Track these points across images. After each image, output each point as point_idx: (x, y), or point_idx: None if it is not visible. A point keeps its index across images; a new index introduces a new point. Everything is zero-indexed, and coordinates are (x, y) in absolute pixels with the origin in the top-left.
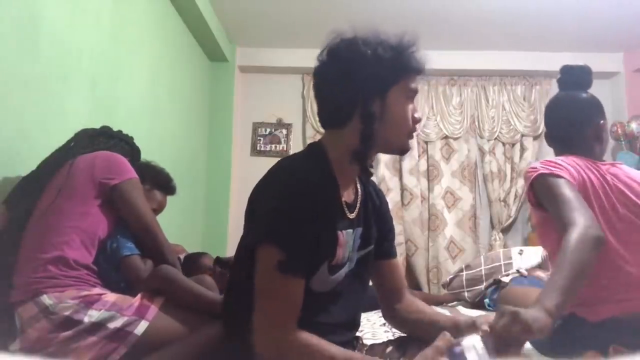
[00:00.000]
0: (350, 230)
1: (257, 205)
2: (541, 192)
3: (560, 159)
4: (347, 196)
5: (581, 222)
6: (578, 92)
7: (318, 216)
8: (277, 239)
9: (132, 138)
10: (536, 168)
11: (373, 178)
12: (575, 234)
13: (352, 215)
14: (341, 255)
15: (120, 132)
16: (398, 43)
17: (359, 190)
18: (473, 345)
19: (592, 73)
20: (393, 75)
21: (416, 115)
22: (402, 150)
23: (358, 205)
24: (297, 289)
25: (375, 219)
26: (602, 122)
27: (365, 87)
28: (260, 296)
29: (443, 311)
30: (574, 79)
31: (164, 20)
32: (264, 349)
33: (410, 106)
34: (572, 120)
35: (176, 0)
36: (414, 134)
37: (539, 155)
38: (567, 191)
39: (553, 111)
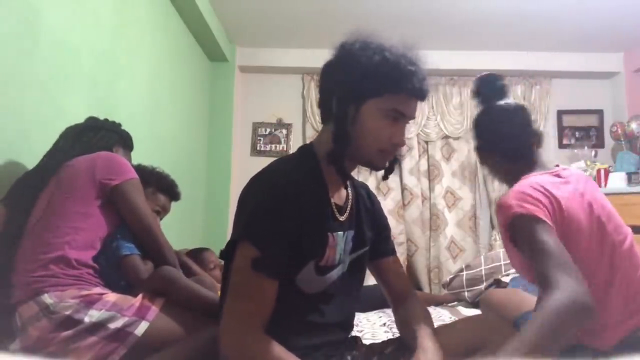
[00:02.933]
0: (341, 233)
1: (242, 203)
2: (519, 236)
3: (531, 187)
4: (338, 198)
5: (568, 287)
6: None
7: (301, 217)
8: (253, 236)
9: (119, 125)
10: (510, 205)
11: (373, 178)
12: (557, 301)
13: (342, 218)
14: (331, 257)
15: (106, 120)
16: (397, 58)
17: (350, 193)
18: None
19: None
20: (376, 86)
21: (396, 139)
22: (370, 165)
23: (349, 208)
24: (267, 289)
25: (368, 222)
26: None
27: (344, 88)
28: (231, 293)
29: (443, 311)
30: (498, 87)
31: (164, 21)
32: (227, 348)
33: (390, 126)
34: (528, 130)
35: (176, 1)
36: (395, 155)
37: None
38: (549, 240)
39: (503, 122)
